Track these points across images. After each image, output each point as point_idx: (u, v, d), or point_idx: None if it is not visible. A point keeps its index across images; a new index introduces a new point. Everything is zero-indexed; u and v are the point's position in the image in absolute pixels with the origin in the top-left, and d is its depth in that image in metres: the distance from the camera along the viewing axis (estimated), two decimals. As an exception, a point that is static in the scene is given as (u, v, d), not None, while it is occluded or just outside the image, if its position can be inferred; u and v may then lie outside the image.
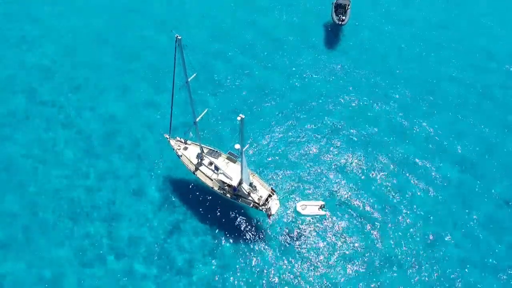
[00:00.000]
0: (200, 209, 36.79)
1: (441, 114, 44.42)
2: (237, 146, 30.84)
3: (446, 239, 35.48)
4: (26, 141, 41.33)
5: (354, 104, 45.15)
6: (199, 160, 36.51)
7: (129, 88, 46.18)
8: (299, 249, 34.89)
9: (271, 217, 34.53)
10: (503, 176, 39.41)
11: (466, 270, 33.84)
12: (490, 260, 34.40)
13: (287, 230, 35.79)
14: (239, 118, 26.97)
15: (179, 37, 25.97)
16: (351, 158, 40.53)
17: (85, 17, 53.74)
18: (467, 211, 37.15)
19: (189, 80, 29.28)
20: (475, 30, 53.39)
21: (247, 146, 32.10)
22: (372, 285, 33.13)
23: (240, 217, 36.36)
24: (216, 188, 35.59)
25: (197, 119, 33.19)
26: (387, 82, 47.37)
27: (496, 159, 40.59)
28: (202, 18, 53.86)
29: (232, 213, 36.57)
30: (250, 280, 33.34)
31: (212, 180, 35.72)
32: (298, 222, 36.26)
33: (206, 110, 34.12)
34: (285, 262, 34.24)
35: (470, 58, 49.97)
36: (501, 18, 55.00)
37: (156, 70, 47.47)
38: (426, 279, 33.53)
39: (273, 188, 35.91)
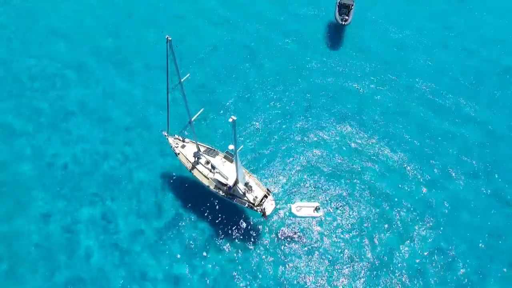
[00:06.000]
0: (196, 208, 36.90)
1: (444, 110, 43.82)
2: (231, 146, 30.59)
3: (449, 247, 35.09)
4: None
5: (355, 104, 44.41)
6: (196, 158, 36.52)
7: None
8: (293, 250, 34.74)
9: (266, 217, 34.41)
10: None
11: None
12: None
13: (281, 231, 35.66)
14: (230, 120, 26.75)
15: (170, 38, 25.80)
16: (348, 159, 40.02)
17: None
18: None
19: (182, 80, 29.13)
20: (482, 28, 51.82)
21: (241, 147, 31.93)
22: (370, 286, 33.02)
23: (236, 217, 36.35)
24: (212, 187, 35.59)
25: (193, 119, 33.10)
26: (389, 81, 46.44)
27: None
28: (204, 13, 53.41)
29: (227, 213, 36.57)
30: (244, 280, 33.42)
31: (208, 179, 35.73)
32: (293, 223, 36.07)
33: (202, 110, 33.98)
34: (279, 263, 34.16)
35: (477, 57, 48.61)
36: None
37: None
38: (421, 283, 33.23)
39: (269, 188, 35.70)
